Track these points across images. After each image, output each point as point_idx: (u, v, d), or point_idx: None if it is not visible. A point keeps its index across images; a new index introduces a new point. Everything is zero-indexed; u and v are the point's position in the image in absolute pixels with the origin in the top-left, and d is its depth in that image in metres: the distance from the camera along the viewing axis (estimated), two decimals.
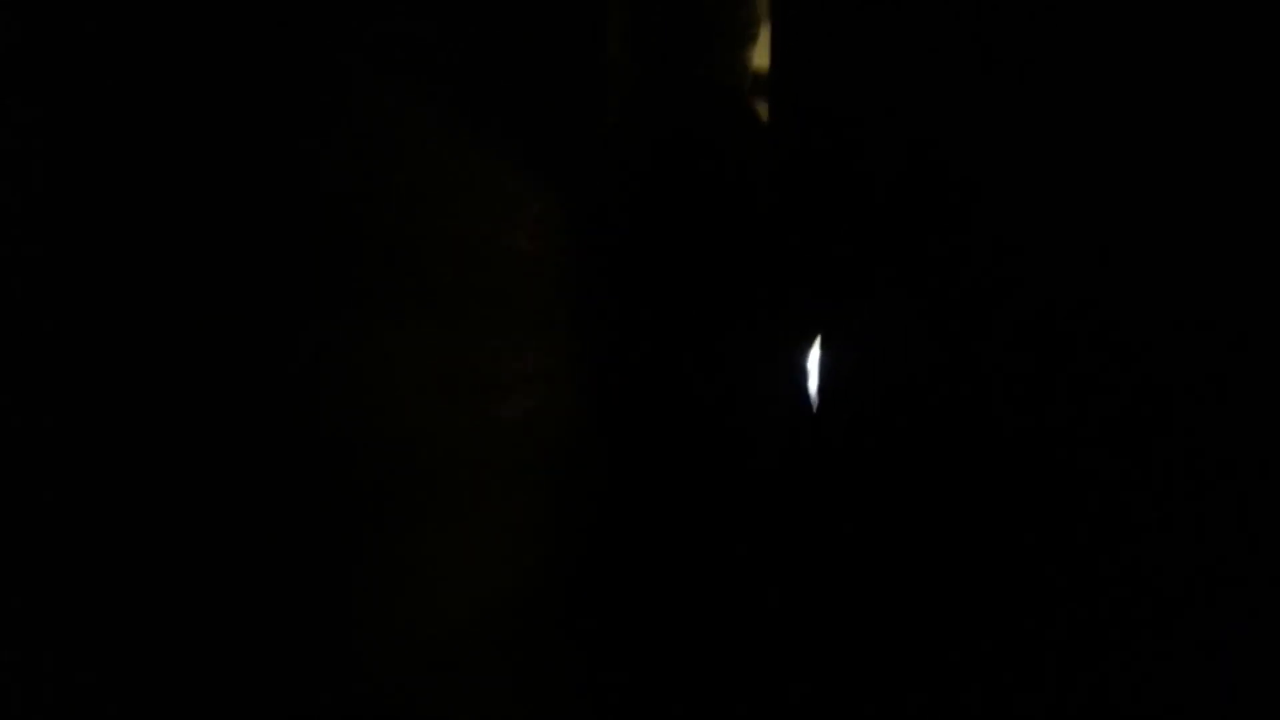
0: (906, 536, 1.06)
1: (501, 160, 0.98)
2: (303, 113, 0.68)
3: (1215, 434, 0.76)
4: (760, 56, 1.45)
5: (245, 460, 0.62)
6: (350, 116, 0.75)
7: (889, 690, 1.08)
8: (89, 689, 0.50)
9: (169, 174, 0.56)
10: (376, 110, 0.78)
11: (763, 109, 1.44)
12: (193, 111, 0.58)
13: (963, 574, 0.99)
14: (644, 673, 1.24)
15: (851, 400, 1.22)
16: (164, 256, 0.55)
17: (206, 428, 0.58)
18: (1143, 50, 0.82)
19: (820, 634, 1.20)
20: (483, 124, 0.96)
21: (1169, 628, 0.79)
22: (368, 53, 0.78)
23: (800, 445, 1.30)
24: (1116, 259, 0.83)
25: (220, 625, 0.59)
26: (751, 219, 1.35)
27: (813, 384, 1.38)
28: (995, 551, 0.95)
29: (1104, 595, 0.83)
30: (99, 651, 0.50)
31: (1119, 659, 0.83)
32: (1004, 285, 0.95)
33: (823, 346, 1.30)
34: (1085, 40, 0.88)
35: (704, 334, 1.33)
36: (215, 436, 0.59)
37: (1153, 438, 0.80)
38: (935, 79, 1.05)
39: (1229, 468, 0.74)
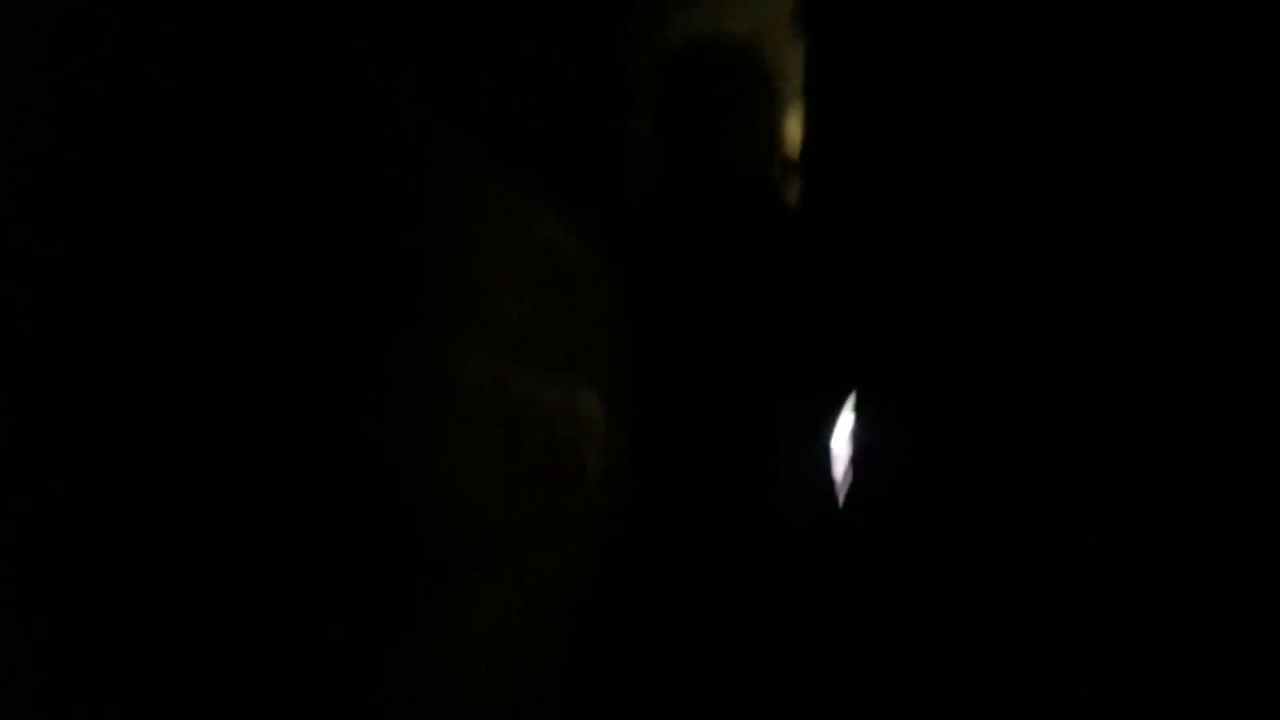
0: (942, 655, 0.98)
1: (542, 218, 0.97)
2: (363, 153, 0.67)
3: None
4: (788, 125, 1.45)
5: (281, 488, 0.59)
6: (399, 160, 0.74)
7: None
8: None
9: (238, 203, 0.54)
10: (429, 155, 0.77)
11: (794, 180, 1.44)
12: (263, 144, 0.56)
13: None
14: None
15: (881, 490, 1.16)
16: (233, 284, 0.53)
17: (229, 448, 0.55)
18: (1204, 98, 0.80)
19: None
20: (525, 180, 0.96)
21: None
22: (431, 108, 0.78)
23: (824, 538, 1.23)
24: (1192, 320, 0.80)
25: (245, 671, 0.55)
26: (776, 292, 1.34)
27: (838, 469, 1.33)
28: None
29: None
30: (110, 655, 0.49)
31: None
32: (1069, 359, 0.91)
33: (855, 421, 1.26)
34: (1127, 88, 0.86)
35: (726, 408, 1.30)
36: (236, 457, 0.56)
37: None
38: (970, 141, 1.04)
39: None
